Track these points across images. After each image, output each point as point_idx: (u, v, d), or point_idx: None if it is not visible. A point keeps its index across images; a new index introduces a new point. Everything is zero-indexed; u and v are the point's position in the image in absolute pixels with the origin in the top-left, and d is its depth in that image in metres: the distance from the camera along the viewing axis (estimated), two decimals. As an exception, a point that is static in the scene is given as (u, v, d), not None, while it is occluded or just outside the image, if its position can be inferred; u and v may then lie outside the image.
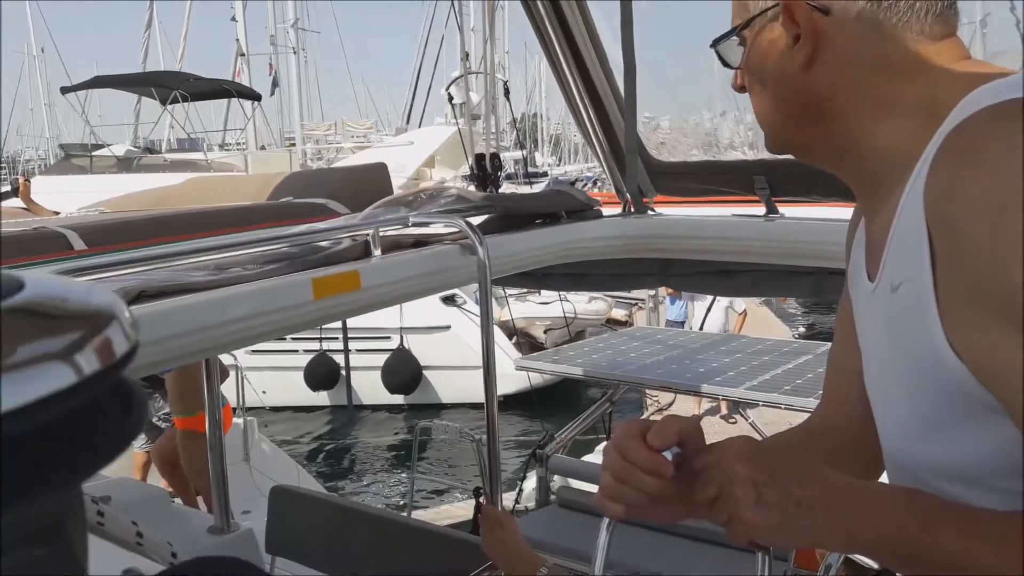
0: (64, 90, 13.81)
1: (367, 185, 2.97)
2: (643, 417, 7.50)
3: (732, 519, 0.74)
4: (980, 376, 0.65)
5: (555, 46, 2.28)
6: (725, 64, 0.84)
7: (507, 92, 7.41)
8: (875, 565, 2.02)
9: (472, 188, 3.13)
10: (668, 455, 0.79)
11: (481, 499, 3.29)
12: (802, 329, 11.29)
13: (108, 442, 0.30)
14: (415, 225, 2.15)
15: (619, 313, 12.80)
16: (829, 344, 1.03)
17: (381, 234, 2.02)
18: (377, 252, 2.00)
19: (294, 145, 19.22)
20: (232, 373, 5.63)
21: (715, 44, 0.84)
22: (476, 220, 2.16)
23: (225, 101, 16.75)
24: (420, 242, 2.14)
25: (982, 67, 0.73)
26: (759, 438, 0.90)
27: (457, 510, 5.32)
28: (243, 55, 20.46)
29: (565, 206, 2.38)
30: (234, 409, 5.14)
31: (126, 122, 17.85)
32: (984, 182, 0.62)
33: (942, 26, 0.74)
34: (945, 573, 0.68)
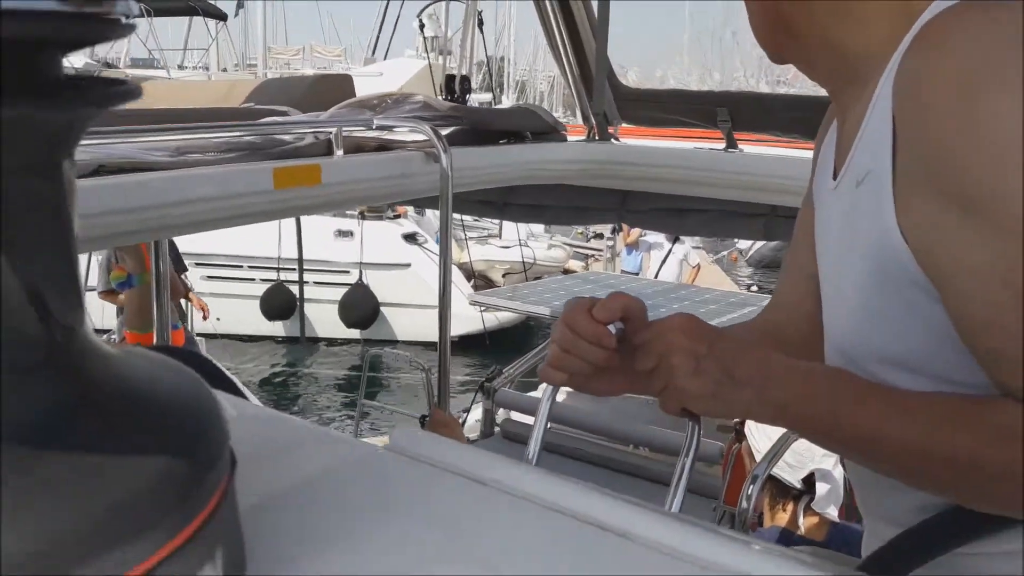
0: None
1: (331, 95, 2.93)
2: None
3: (668, 387, 0.77)
4: (922, 261, 0.67)
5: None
6: None
7: (481, 24, 7.28)
8: (797, 484, 2.13)
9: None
10: (612, 329, 0.83)
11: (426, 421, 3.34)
12: (752, 289, 11.61)
13: (107, 90, 0.32)
14: (379, 129, 2.14)
15: (575, 264, 12.93)
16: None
17: (344, 135, 2.01)
18: (339, 152, 1.99)
19: (254, 67, 18.67)
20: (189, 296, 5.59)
21: None
22: (443, 132, 2.16)
23: (186, 20, 16.15)
24: (383, 147, 2.13)
25: None
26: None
27: (402, 418, 5.35)
28: (212, -29, 19.67)
29: (531, 126, 2.39)
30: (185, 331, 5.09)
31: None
32: (950, 67, 0.63)
33: None
34: (872, 452, 0.72)
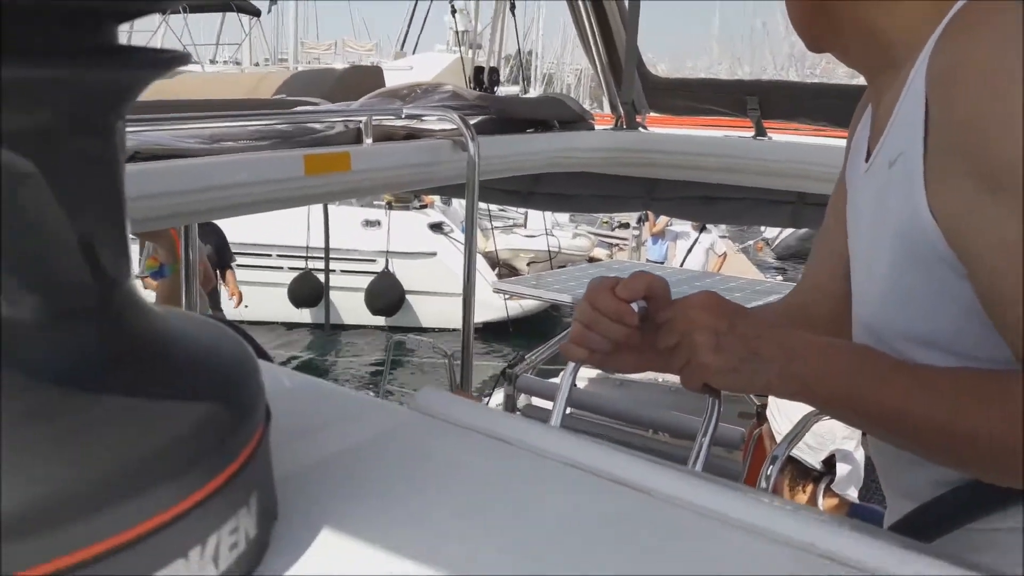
0: None
1: (362, 86, 2.96)
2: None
3: (689, 363, 0.77)
4: (951, 240, 0.68)
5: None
6: None
7: (513, 7, 7.20)
8: (817, 466, 2.12)
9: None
10: (635, 307, 0.84)
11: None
12: (777, 278, 11.54)
13: (157, 55, 0.34)
14: (408, 118, 2.16)
15: (600, 252, 12.95)
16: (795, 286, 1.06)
17: (374, 123, 2.04)
18: (368, 140, 2.01)
19: (285, 62, 18.83)
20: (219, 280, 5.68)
21: None
22: (471, 121, 2.17)
23: (219, 15, 16.30)
24: (412, 135, 2.15)
25: None
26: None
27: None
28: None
29: (559, 115, 2.40)
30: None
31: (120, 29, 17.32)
32: (981, 52, 0.64)
33: None
34: (895, 427, 0.72)
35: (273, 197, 1.80)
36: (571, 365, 1.01)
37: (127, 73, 0.33)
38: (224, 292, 5.82)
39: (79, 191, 0.33)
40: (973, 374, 0.69)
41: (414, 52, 16.48)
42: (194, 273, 2.40)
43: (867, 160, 0.82)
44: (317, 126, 2.02)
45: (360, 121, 2.03)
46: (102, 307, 0.34)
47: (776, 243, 14.33)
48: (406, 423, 0.48)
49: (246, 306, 7.48)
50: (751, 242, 11.41)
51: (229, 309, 6.32)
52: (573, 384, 1.08)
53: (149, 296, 4.82)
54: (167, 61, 0.34)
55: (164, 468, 0.31)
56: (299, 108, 2.12)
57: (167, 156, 1.65)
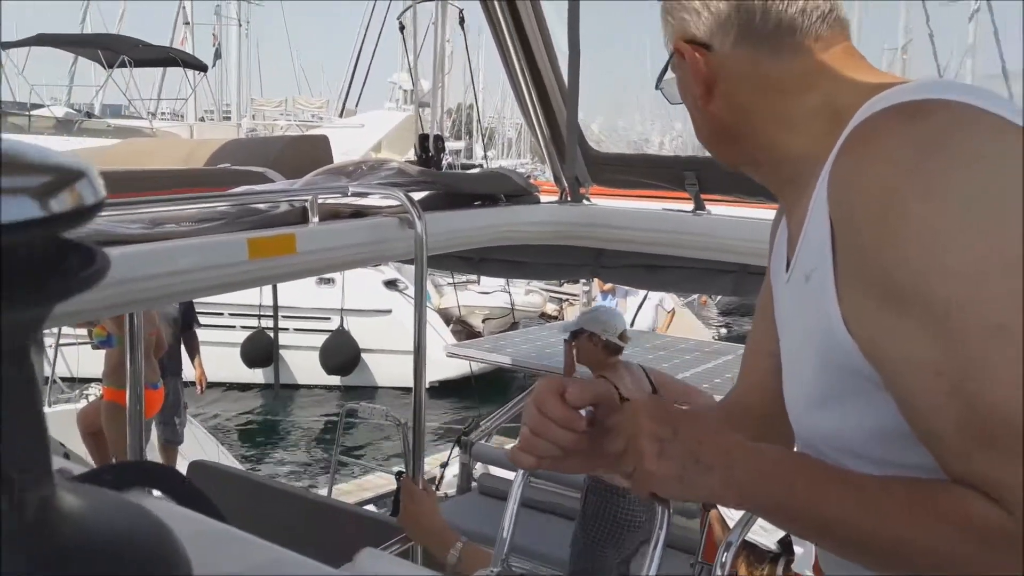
0: (4, 45, 13.18)
1: (307, 157, 2.95)
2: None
3: (636, 470, 0.79)
4: (866, 352, 0.70)
5: (503, 28, 2.33)
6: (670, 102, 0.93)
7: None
8: (773, 547, 2.14)
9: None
10: (582, 412, 0.85)
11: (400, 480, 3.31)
12: (722, 331, 11.77)
13: (69, 283, 0.34)
14: (354, 196, 2.17)
15: (551, 308, 13.10)
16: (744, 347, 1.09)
17: (320, 202, 2.04)
18: (315, 219, 2.01)
19: (228, 118, 18.77)
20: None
21: (658, 86, 0.95)
22: (416, 196, 2.19)
23: (160, 69, 16.23)
24: (358, 213, 2.16)
25: (878, 75, 0.80)
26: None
27: (379, 480, 5.31)
28: (187, 23, 19.86)
29: (504, 189, 2.43)
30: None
31: (61, 83, 17.13)
32: (876, 171, 0.68)
33: (829, 31, 0.81)
34: (828, 536, 0.74)
35: (217, 282, 1.78)
36: (520, 472, 1.01)
37: (42, 309, 0.33)
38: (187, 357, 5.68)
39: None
40: (903, 484, 0.71)
41: (356, 106, 16.63)
42: (139, 355, 2.35)
43: (787, 270, 0.85)
44: (261, 206, 2.01)
45: (305, 200, 2.03)
46: (26, 532, 0.33)
47: (719, 298, 14.71)
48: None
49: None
50: (694, 297, 11.72)
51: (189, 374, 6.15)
52: (523, 486, 1.08)
53: (99, 361, 4.70)
54: (86, 283, 0.34)
55: None
56: (242, 189, 2.11)
57: (108, 243, 1.63)
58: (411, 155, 2.94)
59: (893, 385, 0.69)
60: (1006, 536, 0.62)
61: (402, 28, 7.48)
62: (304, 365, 10.05)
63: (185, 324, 5.53)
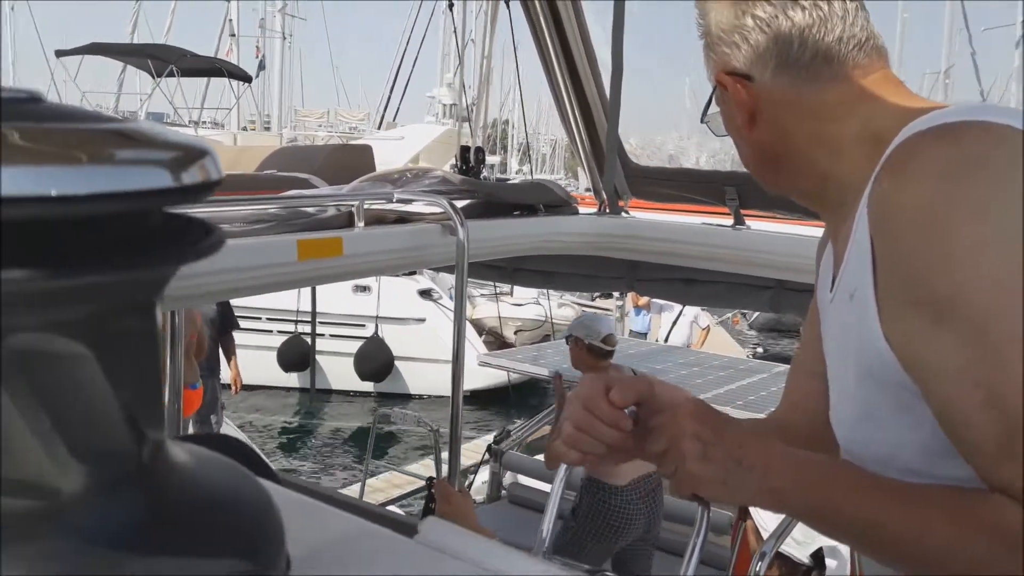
0: (59, 53, 13.57)
1: (351, 165, 3.03)
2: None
3: (678, 471, 0.80)
4: (906, 366, 0.72)
5: (547, 42, 2.38)
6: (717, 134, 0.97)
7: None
8: (806, 560, 2.14)
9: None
10: (626, 412, 0.87)
11: (432, 489, 3.35)
12: (757, 350, 11.68)
13: (193, 248, 0.38)
14: (399, 202, 2.22)
15: None
16: (782, 365, 1.11)
17: (365, 207, 2.09)
18: (360, 224, 2.07)
19: (269, 128, 19.10)
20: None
21: (703, 120, 0.98)
22: (459, 204, 2.24)
23: (204, 80, 16.60)
24: (402, 219, 2.21)
25: (917, 101, 0.82)
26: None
27: (408, 482, 5.33)
28: (233, 35, 20.31)
29: (544, 200, 2.47)
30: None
31: (111, 91, 17.57)
32: (916, 189, 0.70)
33: (868, 59, 0.83)
34: (868, 540, 0.75)
35: (267, 282, 1.84)
36: (563, 468, 1.03)
37: (167, 268, 0.38)
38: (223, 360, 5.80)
39: (123, 366, 0.37)
40: (943, 490, 0.72)
41: (395, 119, 16.86)
42: (180, 353, 2.42)
43: (831, 290, 0.87)
44: (310, 209, 2.07)
45: (352, 205, 2.09)
46: (142, 472, 0.37)
47: (753, 318, 14.56)
48: (414, 559, 0.51)
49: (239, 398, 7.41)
50: (728, 315, 11.64)
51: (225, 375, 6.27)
52: (564, 483, 1.10)
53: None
54: (208, 250, 0.38)
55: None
56: (293, 192, 2.18)
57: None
58: (448, 167, 3.00)
59: (930, 395, 0.71)
60: None
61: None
62: (338, 371, 10.17)
63: (224, 327, 5.64)
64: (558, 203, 2.51)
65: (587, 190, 3.17)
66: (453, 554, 0.52)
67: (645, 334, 8.72)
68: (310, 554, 0.46)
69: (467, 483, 4.95)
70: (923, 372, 0.71)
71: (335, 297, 9.69)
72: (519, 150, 28.11)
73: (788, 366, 1.10)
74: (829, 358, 0.91)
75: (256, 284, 1.83)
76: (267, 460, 5.76)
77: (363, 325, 10.09)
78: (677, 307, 7.52)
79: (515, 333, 11.88)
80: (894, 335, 0.73)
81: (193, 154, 0.38)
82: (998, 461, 0.66)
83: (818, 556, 2.11)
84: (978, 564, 0.68)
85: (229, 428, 5.91)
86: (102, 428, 0.37)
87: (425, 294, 10.37)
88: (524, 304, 11.79)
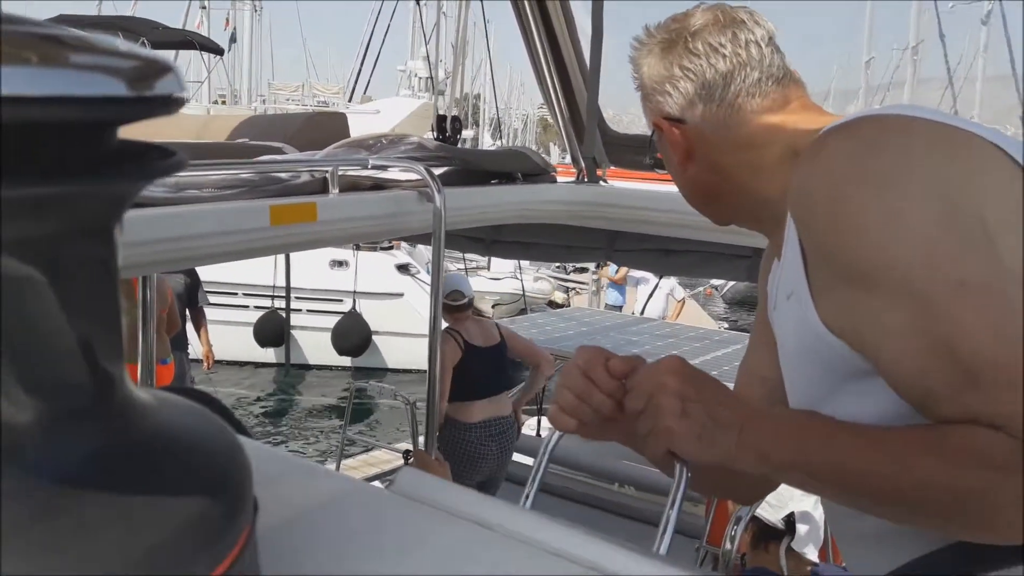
0: None
1: (325, 133, 2.97)
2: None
3: (655, 428, 0.81)
4: (852, 345, 0.75)
5: (527, 11, 2.34)
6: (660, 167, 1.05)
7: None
8: (779, 524, 2.16)
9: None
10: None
11: (410, 461, 3.35)
12: (725, 324, 12.00)
13: (154, 165, 0.36)
14: (374, 169, 2.18)
15: (559, 296, 13.24)
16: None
17: (340, 173, 2.06)
18: (335, 190, 2.03)
19: (238, 103, 18.80)
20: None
21: (648, 158, 1.08)
22: (435, 172, 2.20)
23: (171, 52, 16.27)
24: (378, 186, 2.17)
25: (830, 117, 0.90)
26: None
27: (385, 457, 5.34)
28: (204, 7, 19.88)
29: (522, 168, 2.45)
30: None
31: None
32: (821, 179, 0.76)
33: (786, 90, 0.93)
34: (847, 486, 0.75)
35: (238, 248, 1.80)
36: (555, 434, 1.02)
37: (128, 184, 0.35)
38: (193, 332, 5.73)
39: (79, 294, 0.35)
40: (912, 428, 0.73)
41: (365, 93, 16.65)
42: (151, 322, 2.37)
43: (775, 296, 0.92)
44: (283, 175, 2.03)
45: (326, 171, 2.05)
46: (100, 406, 0.35)
47: (724, 290, 14.83)
48: (385, 504, 0.50)
49: (213, 372, 7.37)
50: (700, 288, 11.82)
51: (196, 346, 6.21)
52: (555, 446, 1.09)
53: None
54: (168, 169, 0.36)
55: (158, 568, 0.32)
56: (266, 157, 2.13)
57: (133, 204, 1.64)
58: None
59: (879, 361, 0.74)
60: (1016, 457, 0.65)
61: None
62: (315, 346, 10.12)
63: (191, 301, 5.57)
64: (536, 171, 2.48)
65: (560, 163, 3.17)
66: (429, 502, 0.50)
67: (620, 307, 8.83)
68: (281, 502, 0.45)
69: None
70: (867, 343, 0.74)
71: (312, 272, 9.62)
72: (491, 124, 27.97)
73: None
74: (783, 361, 0.94)
75: (228, 250, 1.80)
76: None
77: (340, 300, 10.04)
78: (653, 280, 7.59)
79: (493, 307, 11.92)
80: (832, 319, 0.77)
81: (154, 68, 0.35)
82: (954, 400, 0.68)
83: (789, 521, 2.13)
84: (960, 491, 0.68)
85: (203, 403, 5.85)
86: (57, 359, 0.34)
87: (403, 268, 10.34)
88: (502, 278, 11.81)
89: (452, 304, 3.90)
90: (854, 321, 0.75)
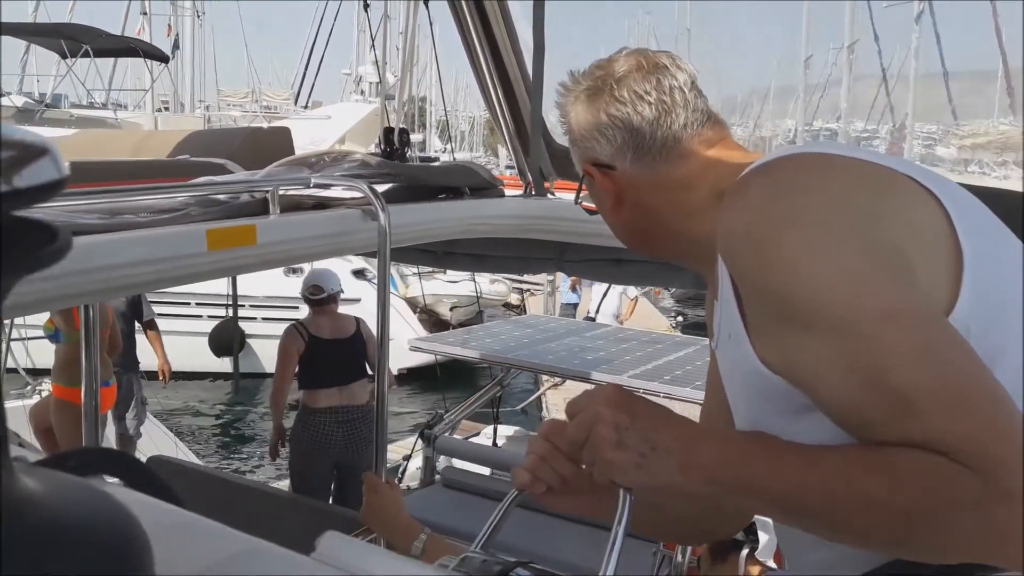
0: None
1: (269, 148, 2.91)
2: (536, 395, 7.77)
3: (597, 460, 0.81)
4: (790, 380, 0.77)
5: (468, 21, 2.33)
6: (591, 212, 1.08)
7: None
8: (738, 535, 2.17)
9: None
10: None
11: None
12: (678, 319, 12.27)
13: (31, 258, 0.34)
14: (316, 187, 2.15)
15: (514, 298, 13.35)
16: (705, 339, 1.14)
17: (281, 193, 2.01)
18: (276, 211, 1.99)
19: (183, 110, 18.46)
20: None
21: (577, 202, 1.13)
22: (380, 188, 2.17)
23: (111, 60, 15.91)
24: (321, 205, 2.14)
25: (752, 156, 0.93)
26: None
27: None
28: (145, 13, 19.45)
29: (469, 182, 2.43)
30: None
31: (13, 72, 16.62)
32: (745, 218, 0.79)
33: (710, 132, 0.96)
34: (795, 507, 0.75)
35: (176, 274, 1.76)
36: (513, 492, 1.01)
37: (4, 283, 0.33)
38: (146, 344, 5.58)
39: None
40: (856, 447, 0.73)
41: (309, 98, 16.45)
42: (95, 349, 2.30)
43: (716, 336, 0.94)
44: (222, 197, 1.98)
45: (267, 191, 2.00)
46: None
47: (673, 289, 15.22)
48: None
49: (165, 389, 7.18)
50: (650, 287, 12.15)
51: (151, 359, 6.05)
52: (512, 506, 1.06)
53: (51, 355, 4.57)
54: (46, 259, 0.34)
55: None
56: (203, 179, 2.08)
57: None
58: (373, 148, 2.93)
59: (816, 396, 0.75)
60: (959, 478, 0.65)
61: (367, 6, 7.31)
62: (271, 354, 9.95)
63: (136, 316, 5.43)
64: (483, 185, 2.47)
65: (508, 167, 3.16)
66: (352, 570, 0.49)
67: (575, 304, 8.95)
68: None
69: (402, 468, 4.91)
70: (802, 378, 0.76)
71: (266, 280, 9.49)
72: (437, 127, 27.87)
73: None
74: (729, 394, 0.95)
75: (164, 277, 1.75)
76: (179, 451, 5.59)
77: (296, 307, 9.88)
78: (606, 281, 7.69)
79: (451, 310, 11.89)
80: (770, 356, 0.78)
81: (29, 153, 0.33)
82: (897, 425, 0.69)
83: (750, 529, 2.15)
84: (902, 512, 0.68)
85: (151, 422, 5.71)
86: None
87: (359, 274, 10.26)
88: (459, 281, 11.78)
89: (312, 298, 4.31)
90: (789, 358, 0.76)
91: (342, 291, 4.71)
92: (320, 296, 4.33)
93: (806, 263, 0.73)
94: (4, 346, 4.77)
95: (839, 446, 0.74)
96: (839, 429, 0.74)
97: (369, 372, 4.51)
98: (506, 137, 2.58)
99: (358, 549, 0.51)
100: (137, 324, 5.46)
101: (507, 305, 13.15)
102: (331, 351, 4.34)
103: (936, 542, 0.69)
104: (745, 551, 2.16)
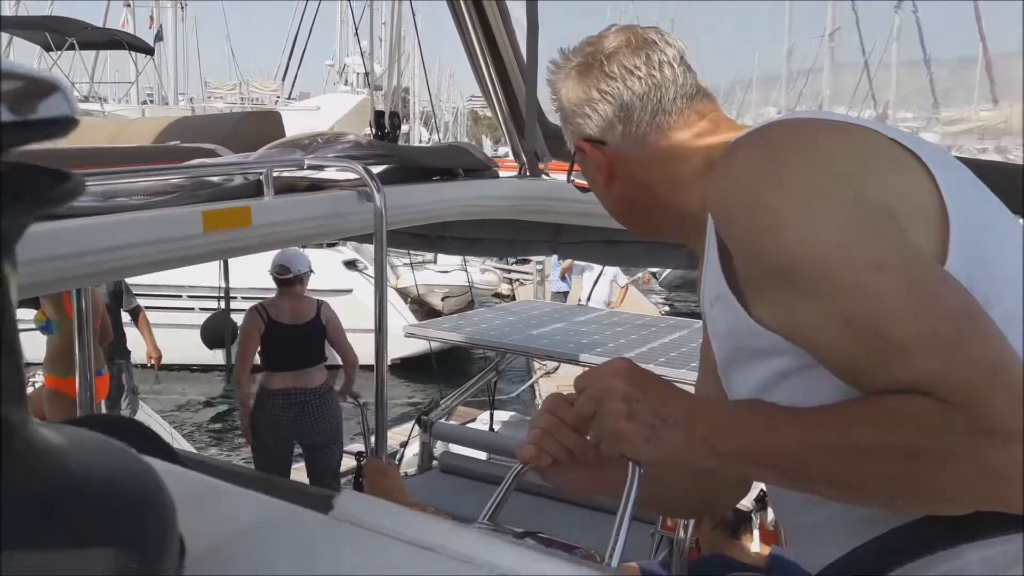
0: None
1: (259, 134, 2.89)
2: (530, 383, 7.78)
3: (606, 431, 0.81)
4: (787, 336, 0.78)
5: (461, 6, 2.31)
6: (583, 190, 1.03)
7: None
8: (750, 504, 2.17)
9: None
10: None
11: (363, 461, 3.31)
12: (665, 308, 12.39)
13: (44, 196, 0.33)
14: (310, 169, 2.13)
15: (505, 288, 13.40)
16: (697, 321, 1.14)
17: (275, 175, 2.00)
18: (270, 192, 1.97)
19: (165, 102, 18.33)
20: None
21: (569, 179, 1.12)
22: (374, 170, 2.16)
23: (94, 52, 15.76)
24: (315, 187, 2.12)
25: (740, 129, 0.93)
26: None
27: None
28: (128, 5, 19.27)
29: (463, 163, 2.42)
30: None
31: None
32: (737, 180, 0.79)
33: (700, 106, 0.96)
34: (796, 466, 0.75)
35: (171, 256, 1.74)
36: (517, 466, 1.00)
37: (18, 222, 0.32)
38: (136, 334, 5.56)
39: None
40: (853, 401, 0.74)
41: (293, 87, 16.35)
42: (87, 335, 2.28)
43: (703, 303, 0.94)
44: (215, 179, 1.96)
45: (260, 173, 1.99)
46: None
47: (663, 276, 15.30)
48: (326, 535, 0.47)
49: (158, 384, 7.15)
50: (639, 275, 12.17)
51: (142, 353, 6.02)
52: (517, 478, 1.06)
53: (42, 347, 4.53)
54: (53, 200, 0.33)
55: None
56: (197, 161, 2.06)
57: (58, 216, 1.57)
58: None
59: (816, 350, 0.76)
60: (947, 417, 0.66)
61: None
62: (264, 345, 9.96)
63: (118, 305, 5.40)
64: (478, 167, 2.46)
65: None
66: (371, 528, 0.48)
67: (565, 292, 8.97)
68: (211, 543, 0.42)
69: (399, 454, 4.91)
70: (802, 334, 0.77)
71: (259, 271, 9.44)
72: (422, 117, 27.76)
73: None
74: (719, 360, 0.96)
75: (160, 259, 1.73)
76: (175, 440, 5.59)
77: (288, 300, 9.89)
78: (597, 268, 7.68)
79: (442, 300, 11.90)
80: (766, 317, 0.79)
81: (41, 88, 0.32)
82: (889, 372, 0.70)
83: (760, 499, 2.15)
84: (905, 455, 0.69)
85: (144, 411, 5.69)
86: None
87: (350, 264, 10.23)
88: (450, 271, 11.78)
89: (279, 278, 4.44)
90: (785, 317, 0.77)
91: (311, 271, 4.81)
92: (287, 276, 4.45)
93: (796, 224, 0.75)
94: (13, 287, 4.69)
95: (835, 403, 0.75)
96: (836, 386, 0.75)
97: (326, 357, 4.75)
98: (501, 119, 2.57)
99: (377, 506, 0.50)
100: (126, 315, 5.43)
101: (498, 295, 13.19)
102: (288, 336, 4.48)
103: (935, 489, 0.69)
104: (758, 520, 2.16)
